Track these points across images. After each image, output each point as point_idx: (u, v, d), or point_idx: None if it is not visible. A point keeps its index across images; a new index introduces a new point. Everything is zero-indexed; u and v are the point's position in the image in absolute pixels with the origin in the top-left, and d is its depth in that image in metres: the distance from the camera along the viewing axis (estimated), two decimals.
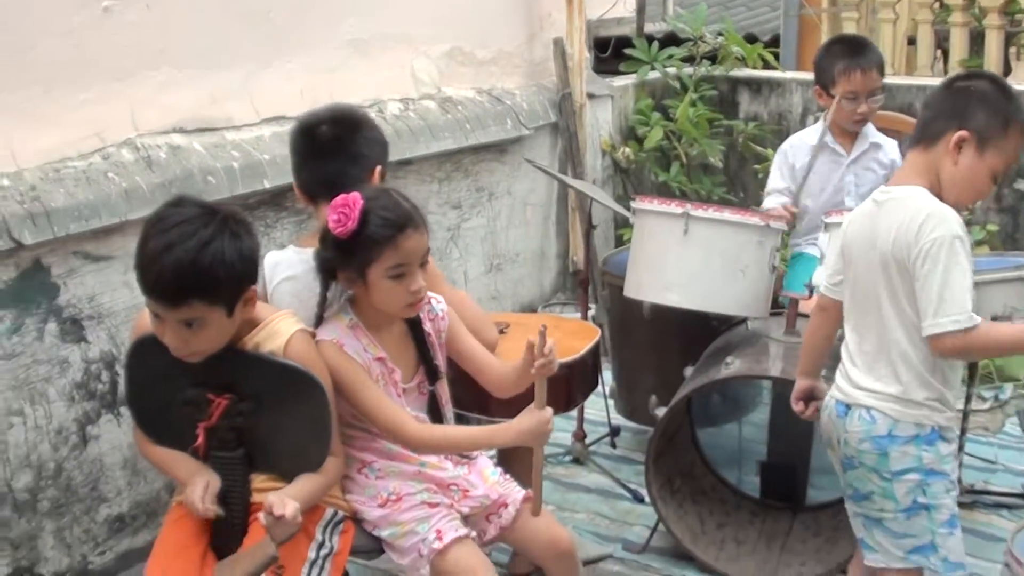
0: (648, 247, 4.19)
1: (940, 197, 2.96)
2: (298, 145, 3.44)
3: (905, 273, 2.92)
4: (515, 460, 3.73)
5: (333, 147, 3.34)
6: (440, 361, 3.32)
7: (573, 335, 4.12)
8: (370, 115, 3.69)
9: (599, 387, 4.79)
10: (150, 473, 4.21)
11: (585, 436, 5.01)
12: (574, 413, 4.93)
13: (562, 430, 5.06)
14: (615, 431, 5.13)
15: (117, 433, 4.14)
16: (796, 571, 4.13)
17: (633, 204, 4.28)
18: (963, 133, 2.95)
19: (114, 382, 4.11)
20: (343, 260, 3.06)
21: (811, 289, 4.00)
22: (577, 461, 5.00)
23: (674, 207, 4.08)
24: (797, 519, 4.42)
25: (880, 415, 3.03)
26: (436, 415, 3.32)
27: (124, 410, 4.11)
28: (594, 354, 4.12)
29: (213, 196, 4.29)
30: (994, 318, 4.23)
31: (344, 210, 3.00)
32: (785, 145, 4.88)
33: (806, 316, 4.20)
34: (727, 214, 4.06)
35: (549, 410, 3.09)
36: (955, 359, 3.00)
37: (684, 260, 4.07)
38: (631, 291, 4.27)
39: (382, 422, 3.12)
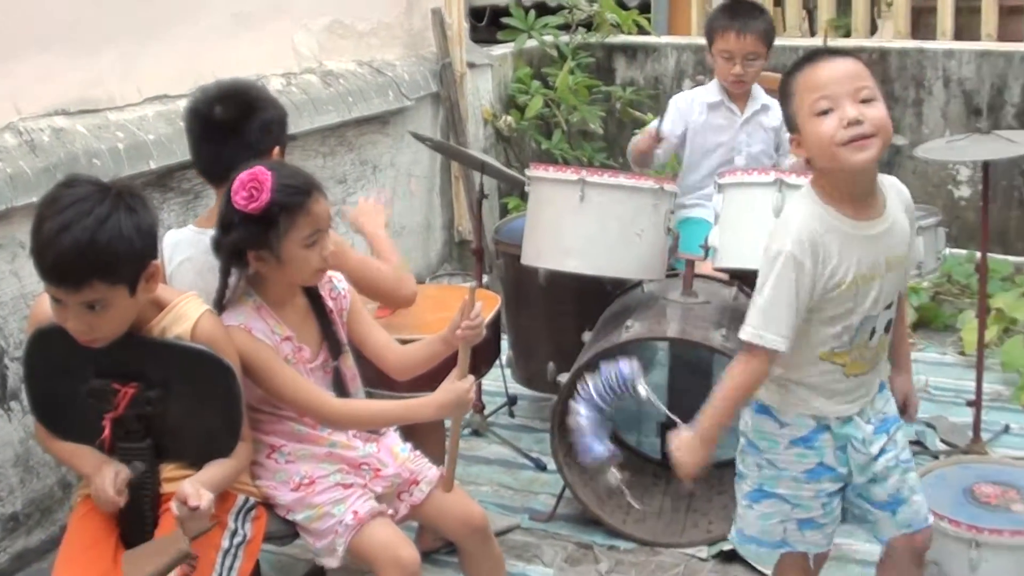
0: (545, 214, 4.19)
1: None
2: (192, 127, 3.37)
3: None
4: (421, 434, 3.69)
5: (227, 132, 3.27)
6: (342, 336, 3.29)
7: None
8: (266, 90, 3.60)
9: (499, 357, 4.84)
10: (43, 469, 4.09)
11: (483, 407, 5.02)
12: None
13: None
14: (513, 400, 5.14)
15: (8, 429, 4.00)
16: (705, 529, 4.17)
17: (528, 172, 4.28)
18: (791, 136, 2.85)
19: (2, 375, 3.99)
20: (254, 238, 3.00)
21: (706, 250, 4.05)
22: (477, 433, 4.99)
23: (569, 174, 4.10)
24: (700, 478, 4.45)
25: None
26: (342, 391, 3.27)
27: (14, 404, 3.99)
28: (496, 322, 4.12)
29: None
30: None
31: (254, 184, 2.94)
32: (679, 99, 4.96)
33: (702, 276, 4.27)
34: (622, 179, 4.08)
35: (470, 378, 3.10)
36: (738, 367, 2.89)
37: (582, 226, 4.08)
38: (529, 259, 4.27)
39: (301, 402, 3.08)
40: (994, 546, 3.45)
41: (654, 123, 4.78)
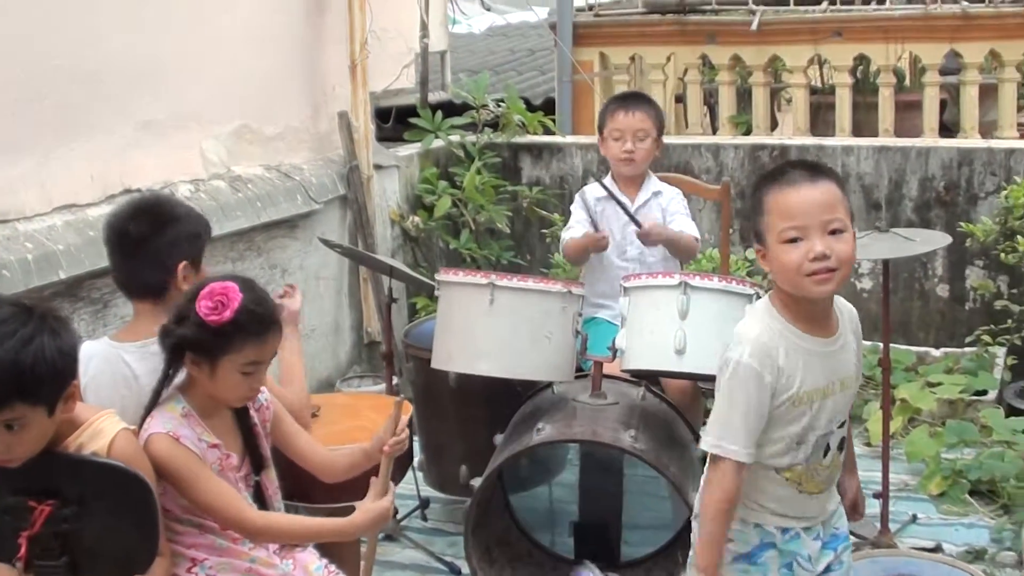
0: (455, 318, 4.22)
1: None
2: (109, 242, 3.41)
3: None
4: (337, 547, 3.69)
5: (138, 246, 3.31)
6: (266, 451, 3.29)
7: (382, 412, 4.09)
8: (180, 204, 3.62)
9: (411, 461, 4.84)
10: None
11: (396, 512, 4.98)
12: None
13: None
14: (425, 503, 5.12)
15: None
16: None
17: (438, 276, 4.32)
18: (757, 247, 2.88)
19: None
20: (199, 344, 3.02)
21: (614, 352, 4.10)
22: (390, 538, 4.95)
23: (479, 278, 4.14)
24: None
25: None
26: (263, 505, 3.26)
27: None
28: (408, 428, 4.11)
29: (8, 290, 4.20)
30: None
31: (222, 299, 2.98)
32: (579, 194, 5.05)
33: (610, 377, 4.31)
34: (531, 283, 4.13)
35: (391, 495, 3.11)
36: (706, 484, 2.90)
37: (492, 329, 4.11)
38: (440, 363, 4.29)
39: (222, 511, 3.06)
40: None
41: (589, 229, 4.82)
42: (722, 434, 2.77)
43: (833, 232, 2.68)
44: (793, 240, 2.69)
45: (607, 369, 4.28)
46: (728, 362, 2.79)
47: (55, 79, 4.76)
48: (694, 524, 3.03)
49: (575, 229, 4.89)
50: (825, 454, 2.88)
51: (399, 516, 5.01)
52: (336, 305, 6.45)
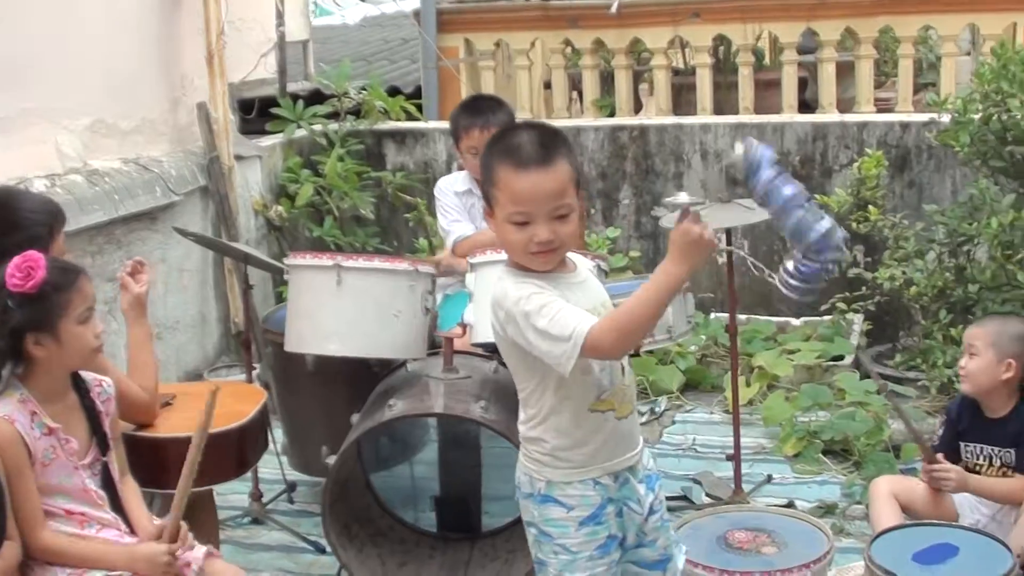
0: (304, 300, 4.27)
1: None
2: None
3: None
4: (195, 533, 3.81)
5: None
6: (108, 432, 3.37)
7: (239, 399, 4.16)
8: (28, 200, 3.65)
9: (271, 446, 4.88)
10: None
11: (261, 495, 5.04)
12: (249, 475, 4.96)
13: (238, 492, 5.09)
14: (292, 487, 5.17)
15: None
16: None
17: (286, 260, 4.37)
18: (486, 209, 2.95)
19: None
20: (33, 319, 3.09)
21: (464, 327, 4.18)
22: (256, 521, 5.01)
23: (325, 259, 4.20)
24: (476, 547, 4.55)
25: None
26: (108, 488, 3.36)
27: None
28: (262, 415, 4.16)
29: None
30: None
31: (29, 265, 3.05)
32: (441, 184, 5.12)
33: (462, 353, 4.39)
34: (377, 262, 4.20)
35: (166, 547, 3.21)
36: (610, 355, 2.88)
37: (340, 310, 4.17)
38: (291, 345, 4.34)
39: (20, 514, 3.11)
40: None
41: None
42: (560, 341, 2.76)
43: (559, 217, 2.78)
44: (520, 224, 2.80)
45: (458, 344, 4.36)
46: (510, 313, 2.83)
47: None
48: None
49: (463, 225, 4.95)
50: (623, 373, 2.98)
51: (265, 500, 5.05)
52: (201, 297, 6.46)
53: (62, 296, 3.10)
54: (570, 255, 3.03)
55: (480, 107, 4.91)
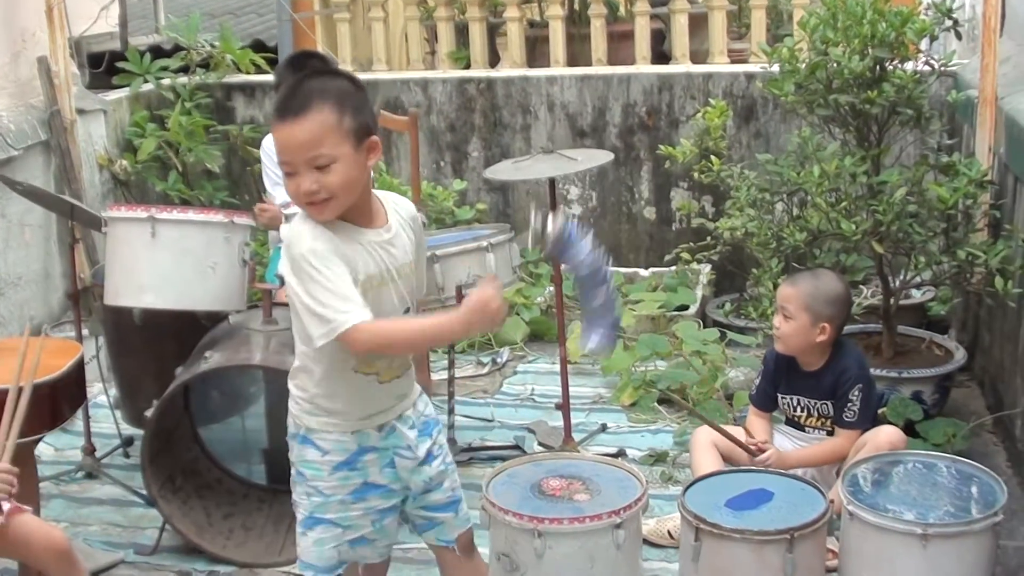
0: (121, 253, 4.28)
1: None
2: None
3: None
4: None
5: None
6: None
7: (56, 353, 4.14)
8: None
9: (108, 401, 4.87)
10: None
11: (95, 450, 5.03)
12: (82, 429, 4.95)
13: (73, 447, 5.09)
14: (128, 441, 5.17)
15: None
16: None
17: (103, 214, 4.36)
18: None
19: None
20: None
21: (282, 279, 4.19)
22: (90, 475, 5.01)
23: (140, 212, 4.20)
24: None
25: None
26: None
27: None
28: (77, 369, 4.15)
29: None
30: (459, 286, 4.59)
31: None
32: (265, 145, 5.10)
33: (281, 305, 4.41)
34: (191, 214, 4.22)
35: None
36: (364, 355, 2.93)
37: (155, 262, 4.19)
38: (110, 298, 4.34)
39: None
40: (555, 534, 3.66)
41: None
42: (325, 319, 2.79)
43: (321, 167, 2.81)
44: (289, 174, 2.84)
45: (279, 296, 4.38)
46: (294, 262, 2.85)
47: None
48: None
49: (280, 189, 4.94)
50: None
51: (99, 454, 5.05)
52: (45, 252, 6.40)
53: None
54: (388, 204, 3.04)
55: (302, 65, 4.77)
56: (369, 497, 3.08)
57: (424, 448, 3.12)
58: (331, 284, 2.80)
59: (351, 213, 2.91)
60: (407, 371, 3.11)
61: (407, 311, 3.06)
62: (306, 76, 2.90)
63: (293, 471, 3.12)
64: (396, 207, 3.09)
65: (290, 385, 3.09)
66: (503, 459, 4.84)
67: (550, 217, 2.99)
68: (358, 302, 2.80)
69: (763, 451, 4.19)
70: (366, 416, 3.02)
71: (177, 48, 7.53)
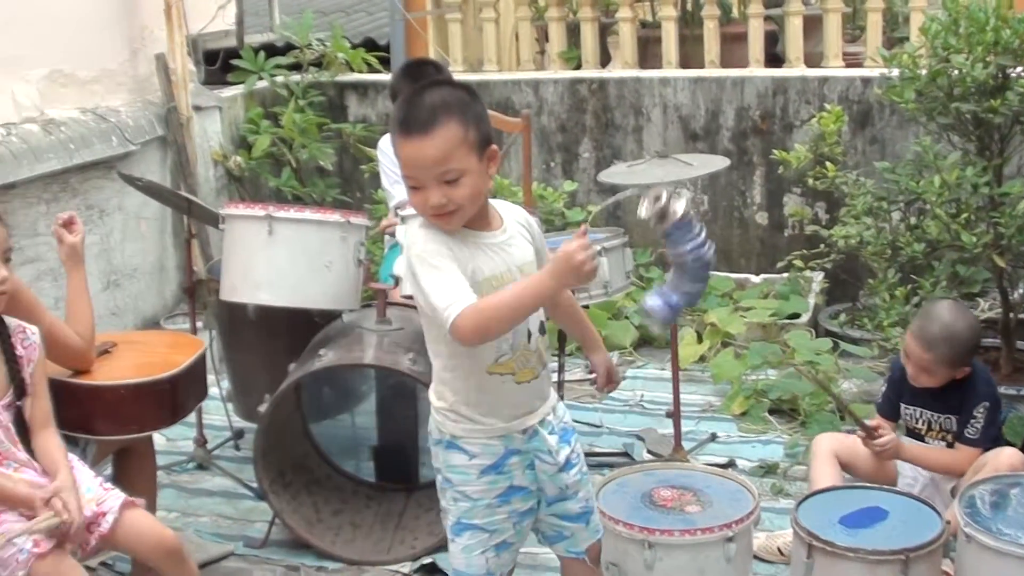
0: (237, 250, 4.32)
1: None
2: None
3: None
4: (132, 472, 4.00)
5: None
6: (28, 378, 3.42)
7: (175, 348, 4.20)
8: None
9: (220, 393, 4.93)
10: None
11: (206, 441, 5.09)
12: (194, 420, 5.01)
13: (184, 438, 5.15)
14: (239, 434, 5.22)
15: None
16: (409, 546, 4.33)
17: (221, 211, 4.41)
18: None
19: None
20: None
21: (396, 279, 4.22)
22: (201, 467, 5.08)
23: (257, 210, 4.24)
24: (412, 498, 4.61)
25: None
26: (21, 429, 3.42)
27: None
28: (199, 364, 4.20)
29: None
30: (571, 291, 4.56)
31: None
32: (382, 145, 5.12)
33: (396, 304, 4.43)
34: (308, 213, 4.25)
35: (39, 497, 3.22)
36: (473, 343, 2.85)
37: (271, 260, 4.23)
38: (226, 294, 4.39)
39: None
40: (666, 545, 3.63)
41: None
42: (438, 312, 2.78)
43: (450, 182, 2.80)
44: (414, 188, 2.84)
45: (393, 296, 4.40)
46: (409, 264, 2.86)
47: None
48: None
49: (402, 187, 4.94)
50: (529, 339, 2.98)
51: (211, 446, 5.11)
52: (160, 245, 6.51)
53: None
54: (502, 210, 3.04)
55: (418, 73, 4.82)
56: (513, 500, 3.05)
57: (563, 454, 3.08)
58: (440, 282, 2.79)
59: (469, 219, 2.92)
60: (543, 370, 3.08)
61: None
62: (426, 88, 2.89)
63: (439, 478, 3.09)
64: (509, 212, 3.08)
65: (430, 396, 3.07)
66: (611, 466, 4.84)
67: (675, 197, 2.95)
68: (462, 293, 2.78)
69: (883, 436, 4.11)
70: (509, 419, 3.00)
71: (290, 46, 7.60)
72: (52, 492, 3.23)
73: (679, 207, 2.93)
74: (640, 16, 8.27)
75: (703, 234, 2.98)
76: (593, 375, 3.39)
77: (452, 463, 3.04)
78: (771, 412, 5.45)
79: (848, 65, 7.58)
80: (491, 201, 3.03)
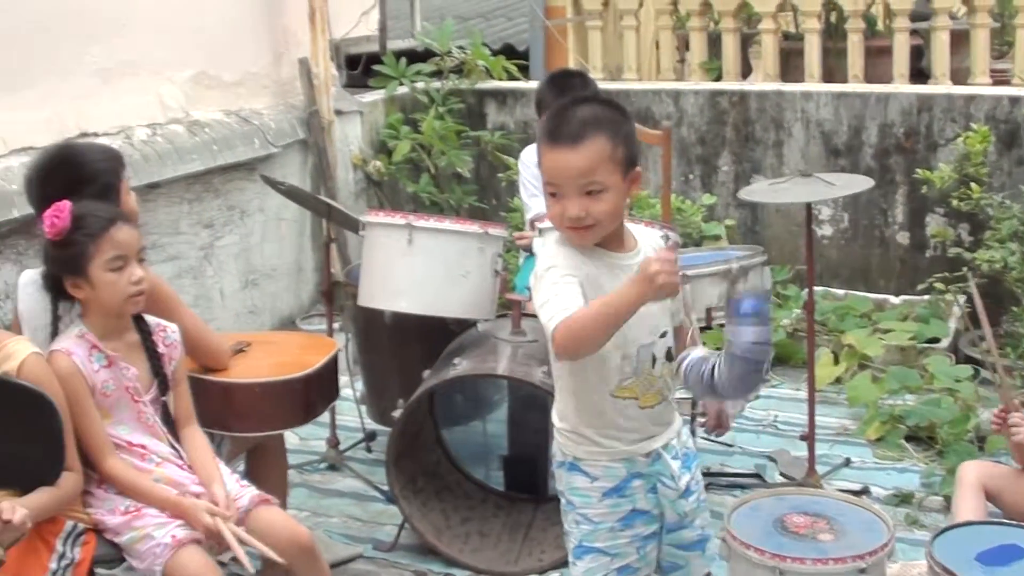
0: (377, 257, 4.36)
1: None
2: (29, 195, 3.63)
3: None
4: (264, 469, 4.06)
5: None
6: (170, 373, 3.50)
7: (309, 349, 4.25)
8: (90, 154, 3.70)
9: (354, 395, 4.98)
10: None
11: (338, 443, 5.15)
12: (328, 420, 5.06)
13: (317, 438, 5.21)
14: (370, 436, 5.28)
15: None
16: (536, 558, 4.33)
17: (362, 218, 4.46)
18: None
19: None
20: (65, 265, 3.27)
21: (531, 291, 4.21)
22: (332, 467, 5.14)
23: (398, 218, 4.28)
24: (539, 510, 4.60)
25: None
26: (169, 425, 3.50)
27: None
28: (331, 366, 4.24)
29: None
30: (709, 309, 4.51)
31: (56, 213, 3.23)
32: (524, 157, 5.13)
33: (530, 315, 4.42)
34: (447, 223, 4.28)
35: (207, 506, 3.31)
36: (569, 356, 2.85)
37: (410, 268, 4.25)
38: (364, 300, 4.43)
39: (86, 442, 3.27)
40: (797, 573, 3.56)
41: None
42: (549, 321, 2.76)
43: (591, 193, 2.80)
44: (554, 195, 2.84)
45: (529, 308, 4.39)
46: (536, 278, 2.87)
47: (12, 25, 4.94)
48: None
49: (540, 200, 4.92)
50: (653, 364, 2.96)
51: (342, 447, 5.17)
52: (298, 246, 6.60)
53: (89, 243, 3.24)
54: (637, 233, 3.04)
55: (565, 85, 4.84)
56: (635, 524, 3.03)
57: (684, 480, 3.05)
58: (554, 298, 2.78)
59: (604, 239, 2.91)
60: (669, 395, 3.05)
61: (663, 335, 3.01)
62: (580, 102, 2.91)
63: (562, 500, 3.08)
64: (644, 236, 3.07)
65: (553, 417, 3.07)
66: (742, 487, 4.80)
67: (753, 273, 2.89)
68: (568, 308, 2.75)
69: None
70: (632, 443, 2.97)
71: (429, 52, 7.65)
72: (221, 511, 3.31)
73: (751, 284, 2.88)
74: (783, 27, 8.16)
75: (766, 330, 2.91)
76: (704, 416, 3.34)
77: (574, 485, 3.03)
78: (907, 439, 5.31)
79: (995, 82, 7.41)
80: (627, 224, 3.02)
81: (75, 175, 3.52)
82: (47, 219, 3.25)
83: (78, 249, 3.24)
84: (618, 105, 2.99)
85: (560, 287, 2.79)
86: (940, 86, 7.08)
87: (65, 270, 3.29)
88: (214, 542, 3.34)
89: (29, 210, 4.60)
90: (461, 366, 4.18)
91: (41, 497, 3.09)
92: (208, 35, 6.05)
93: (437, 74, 7.32)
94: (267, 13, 6.44)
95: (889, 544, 3.57)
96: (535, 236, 4.28)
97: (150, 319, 3.49)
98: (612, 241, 2.93)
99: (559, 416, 3.04)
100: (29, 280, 3.55)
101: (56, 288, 3.34)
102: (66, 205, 3.24)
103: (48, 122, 5.10)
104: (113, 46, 5.47)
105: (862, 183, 4.80)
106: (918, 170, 6.39)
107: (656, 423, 3.01)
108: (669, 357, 3.04)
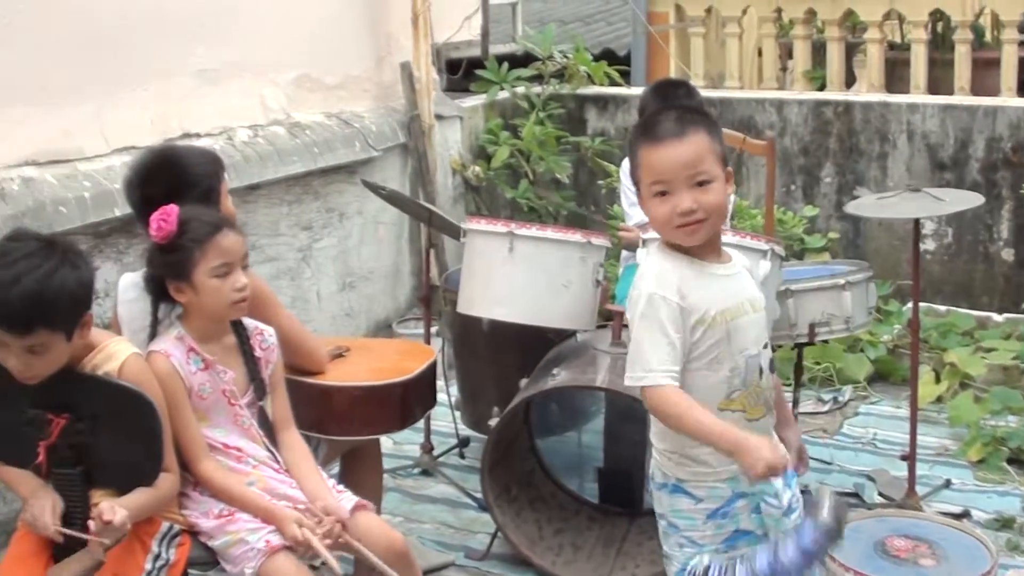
0: (477, 264, 4.35)
1: None
2: (129, 198, 3.65)
3: None
4: (360, 473, 4.04)
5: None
6: (266, 378, 3.49)
7: (407, 355, 4.23)
8: (189, 158, 3.70)
9: (448, 400, 4.98)
10: (9, 494, 4.26)
11: (432, 448, 5.14)
12: (422, 425, 5.06)
13: (411, 442, 5.21)
14: (464, 442, 5.26)
15: None
16: (630, 573, 4.28)
17: (463, 225, 4.45)
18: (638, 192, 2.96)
19: None
20: (170, 269, 3.28)
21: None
22: (426, 472, 5.13)
23: (499, 226, 4.26)
24: (634, 524, 4.56)
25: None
26: (266, 429, 3.49)
27: None
28: (429, 373, 4.23)
29: (64, 225, 4.53)
30: (812, 325, 4.46)
31: (163, 217, 3.23)
32: (625, 166, 5.08)
33: None
34: (549, 232, 4.24)
35: (297, 516, 3.28)
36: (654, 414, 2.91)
37: (510, 276, 4.23)
38: (463, 307, 4.42)
39: (182, 444, 3.28)
40: None
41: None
42: (637, 366, 2.83)
43: (700, 184, 2.81)
44: (662, 194, 2.83)
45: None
46: (633, 299, 2.88)
47: (116, 26, 4.98)
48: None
49: (637, 209, 4.92)
50: (760, 375, 2.95)
51: (436, 452, 5.16)
52: (396, 250, 6.61)
53: (195, 249, 3.24)
54: (731, 250, 3.03)
55: (669, 94, 4.79)
56: (739, 545, 2.98)
57: (786, 498, 3.00)
58: (654, 342, 2.81)
59: (702, 250, 2.90)
60: (771, 411, 3.03)
61: (766, 346, 3.00)
62: (673, 107, 2.99)
63: (663, 523, 3.05)
64: (736, 254, 3.07)
65: (651, 437, 3.04)
66: None
67: (829, 506, 2.84)
68: (667, 365, 2.80)
69: None
70: (735, 463, 2.90)
71: (529, 56, 7.64)
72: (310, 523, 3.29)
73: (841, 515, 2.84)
74: (888, 37, 8.04)
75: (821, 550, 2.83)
76: None
77: (677, 508, 2.99)
78: (1010, 462, 5.18)
79: None
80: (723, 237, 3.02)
81: (177, 179, 3.52)
82: (154, 223, 3.24)
83: (184, 254, 3.24)
84: (700, 110, 3.06)
85: (661, 336, 2.81)
86: None
87: (169, 274, 3.29)
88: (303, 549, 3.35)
89: (130, 210, 4.73)
90: (560, 376, 4.15)
91: (139, 498, 3.10)
92: (311, 38, 6.07)
93: (538, 79, 7.31)
94: (370, 17, 6.46)
95: (992, 571, 3.52)
96: (641, 245, 4.22)
97: (248, 322, 3.49)
98: (710, 250, 2.94)
99: (659, 437, 3.01)
100: (130, 284, 3.56)
101: (158, 291, 3.35)
102: (173, 209, 3.24)
103: (152, 122, 5.15)
104: (218, 47, 5.51)
105: (972, 199, 4.70)
106: None
107: (762, 436, 2.93)
108: (771, 367, 3.04)
